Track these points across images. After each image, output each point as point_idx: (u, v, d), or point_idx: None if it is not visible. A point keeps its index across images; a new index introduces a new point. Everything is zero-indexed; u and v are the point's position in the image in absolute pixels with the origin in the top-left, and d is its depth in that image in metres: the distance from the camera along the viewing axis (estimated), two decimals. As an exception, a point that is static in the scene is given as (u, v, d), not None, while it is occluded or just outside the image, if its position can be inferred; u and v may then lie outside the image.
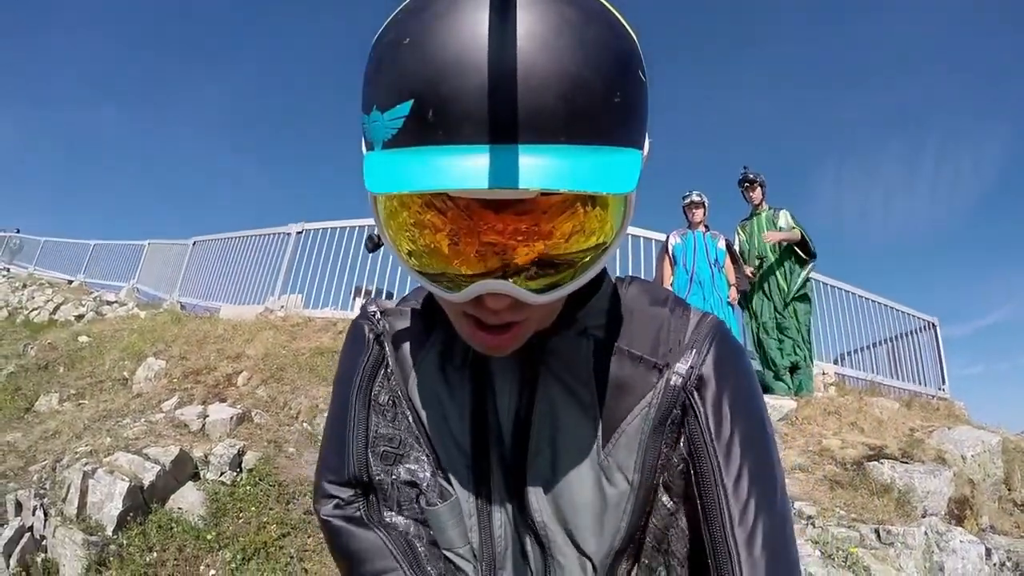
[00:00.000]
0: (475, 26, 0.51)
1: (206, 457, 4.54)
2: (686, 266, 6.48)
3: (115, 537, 3.71)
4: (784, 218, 6.70)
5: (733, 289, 6.61)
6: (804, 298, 6.84)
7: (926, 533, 3.91)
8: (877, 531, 3.95)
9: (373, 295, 9.41)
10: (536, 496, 0.77)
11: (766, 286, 6.94)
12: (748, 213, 7.04)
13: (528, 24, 0.51)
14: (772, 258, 6.84)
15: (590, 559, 0.78)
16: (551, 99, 0.50)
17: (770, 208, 6.86)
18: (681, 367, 0.76)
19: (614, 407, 0.77)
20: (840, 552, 3.71)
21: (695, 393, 0.75)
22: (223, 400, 5.61)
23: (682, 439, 0.76)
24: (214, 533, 3.93)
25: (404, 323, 0.88)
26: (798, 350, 6.77)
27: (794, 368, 6.82)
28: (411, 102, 0.52)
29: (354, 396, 0.87)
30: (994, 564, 4.07)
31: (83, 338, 7.78)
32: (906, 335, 10.48)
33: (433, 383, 0.83)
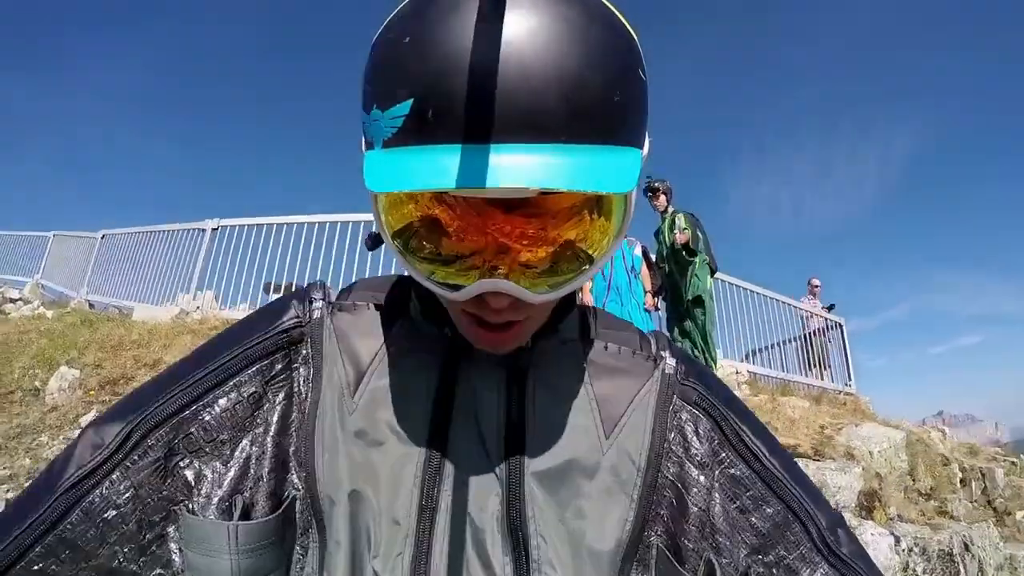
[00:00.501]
0: (476, 25, 0.51)
1: None
2: (604, 272, 6.58)
3: None
4: (679, 220, 6.88)
5: (649, 296, 6.84)
6: (698, 301, 7.00)
7: (840, 529, 4.23)
8: (795, 527, 4.26)
9: (283, 291, 9.29)
10: (533, 503, 0.71)
11: (670, 291, 7.19)
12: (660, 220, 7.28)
13: (529, 23, 0.51)
14: (670, 264, 7.07)
15: (593, 561, 0.71)
16: (551, 98, 0.51)
17: (673, 212, 7.05)
18: (669, 360, 0.80)
19: (612, 399, 0.77)
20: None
21: (688, 377, 0.80)
22: (143, 411, 5.45)
23: (688, 412, 0.79)
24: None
25: (360, 319, 0.80)
26: (695, 352, 6.96)
27: None
28: (411, 101, 0.52)
29: (202, 370, 0.74)
30: (903, 550, 4.46)
31: (-15, 343, 7.30)
32: (815, 334, 11.15)
33: (386, 386, 0.75)
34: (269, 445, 0.74)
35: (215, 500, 0.71)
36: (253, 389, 0.75)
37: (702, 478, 0.76)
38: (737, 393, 7.48)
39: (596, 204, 0.61)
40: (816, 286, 12.07)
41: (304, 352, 0.78)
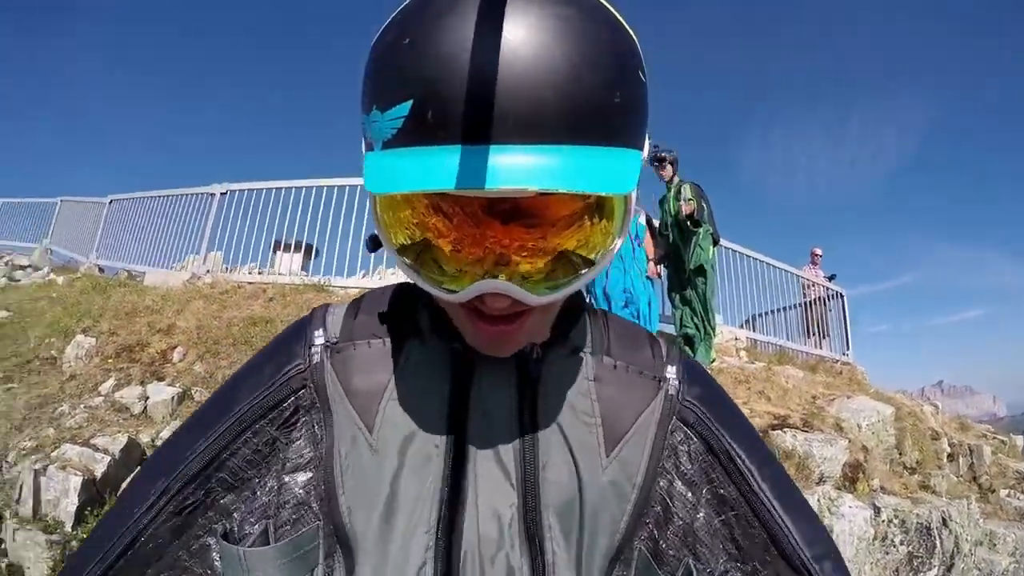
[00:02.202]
0: (475, 26, 0.51)
1: (153, 442, 4.59)
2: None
3: (75, 533, 3.75)
4: (685, 191, 6.97)
5: (651, 263, 6.94)
6: (700, 270, 7.12)
7: (819, 500, 4.44)
8: (779, 497, 4.45)
9: (293, 250, 9.41)
10: (548, 511, 0.75)
11: (672, 259, 7.31)
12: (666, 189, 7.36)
13: (528, 24, 0.51)
14: (674, 233, 7.17)
15: (588, 563, 0.76)
16: (551, 99, 0.50)
17: (679, 182, 7.12)
18: (672, 379, 0.82)
19: (616, 418, 0.78)
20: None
21: (688, 399, 0.82)
22: (161, 379, 5.58)
23: (683, 432, 0.81)
24: (172, 520, 4.01)
25: (360, 354, 0.80)
26: (694, 320, 7.13)
27: (688, 340, 7.18)
28: (411, 102, 0.52)
29: (224, 423, 0.79)
30: (882, 521, 4.66)
31: (1, 312, 7.44)
32: (814, 302, 11.25)
33: (402, 414, 0.77)
34: (286, 479, 0.78)
35: (247, 524, 0.78)
36: (268, 436, 0.78)
37: (689, 494, 0.80)
38: (735, 360, 7.66)
39: (596, 209, 0.61)
40: (818, 255, 12.09)
41: (311, 396, 0.79)
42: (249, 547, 0.76)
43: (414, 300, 0.83)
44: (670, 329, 7.74)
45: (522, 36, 0.51)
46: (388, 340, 0.80)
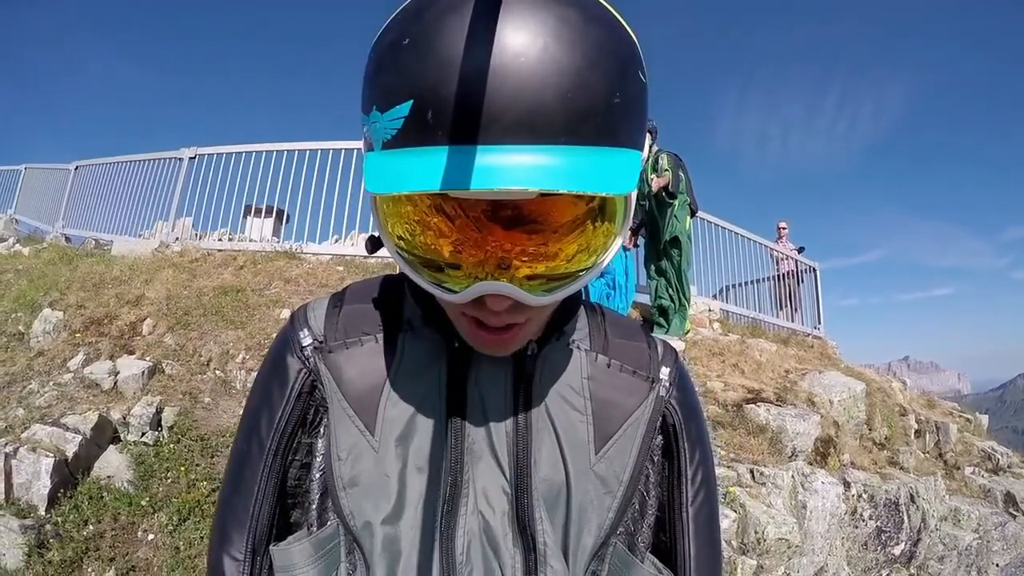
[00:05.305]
0: (475, 27, 0.51)
1: (124, 419, 4.51)
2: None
3: (48, 516, 3.70)
4: (662, 161, 6.96)
5: (628, 232, 6.93)
6: (675, 241, 7.16)
7: (793, 476, 4.52)
8: (752, 471, 4.52)
9: (264, 215, 9.23)
10: (539, 504, 0.77)
11: (648, 230, 7.35)
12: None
13: (528, 24, 0.51)
14: (651, 203, 7.18)
15: (574, 559, 0.79)
16: (551, 100, 0.50)
17: (657, 151, 7.10)
18: (665, 380, 0.85)
19: (607, 415, 0.80)
20: (719, 490, 4.24)
21: (672, 402, 0.85)
22: (131, 352, 5.48)
23: (661, 436, 0.86)
24: (147, 498, 3.99)
25: (354, 354, 0.82)
26: (669, 291, 7.19)
27: (662, 311, 7.25)
28: (411, 102, 0.52)
29: (264, 463, 0.83)
30: (852, 496, 4.78)
31: (-36, 285, 7.21)
32: (786, 275, 11.35)
33: (400, 413, 0.78)
34: (310, 476, 0.84)
35: (304, 524, 0.85)
36: (306, 447, 0.84)
37: (657, 489, 0.86)
38: (709, 332, 7.73)
39: (598, 212, 0.62)
40: (783, 228, 12.21)
41: (321, 394, 0.82)
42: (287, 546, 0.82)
43: (400, 293, 0.85)
44: (645, 299, 7.78)
45: (522, 37, 0.51)
46: (380, 336, 0.82)
